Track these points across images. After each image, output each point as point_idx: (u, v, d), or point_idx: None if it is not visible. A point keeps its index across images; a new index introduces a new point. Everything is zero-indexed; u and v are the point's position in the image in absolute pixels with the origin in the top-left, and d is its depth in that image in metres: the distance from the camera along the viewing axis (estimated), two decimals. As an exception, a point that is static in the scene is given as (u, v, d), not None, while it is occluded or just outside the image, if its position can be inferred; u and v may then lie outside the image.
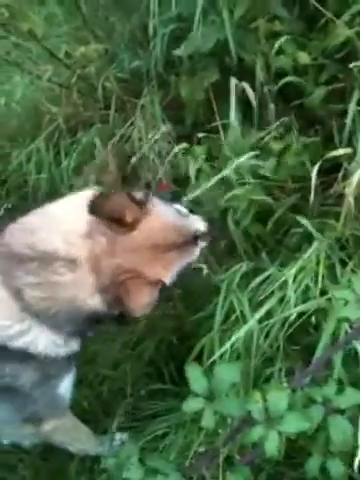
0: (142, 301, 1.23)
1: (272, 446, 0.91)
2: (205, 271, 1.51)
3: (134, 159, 1.87)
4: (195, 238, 1.36)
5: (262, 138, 1.61)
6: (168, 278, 1.28)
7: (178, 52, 1.76)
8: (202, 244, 1.39)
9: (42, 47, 2.04)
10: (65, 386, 1.36)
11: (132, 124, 1.99)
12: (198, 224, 1.39)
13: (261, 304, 1.35)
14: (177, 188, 1.79)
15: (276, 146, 1.59)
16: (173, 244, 1.29)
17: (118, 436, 1.67)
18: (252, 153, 1.53)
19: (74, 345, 1.33)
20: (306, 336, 1.38)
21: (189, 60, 1.80)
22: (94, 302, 1.23)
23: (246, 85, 1.55)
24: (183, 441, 1.38)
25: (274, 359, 1.42)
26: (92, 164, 2.03)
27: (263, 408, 0.92)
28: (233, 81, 1.58)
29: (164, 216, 1.32)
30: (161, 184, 1.85)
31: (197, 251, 1.38)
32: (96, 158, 2.03)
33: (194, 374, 1.00)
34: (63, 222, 1.26)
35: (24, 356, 1.24)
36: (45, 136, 2.11)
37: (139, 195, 1.30)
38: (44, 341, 1.26)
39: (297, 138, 1.60)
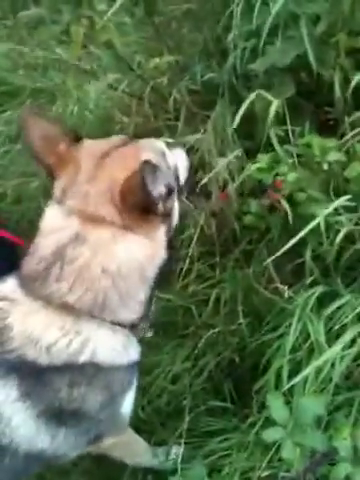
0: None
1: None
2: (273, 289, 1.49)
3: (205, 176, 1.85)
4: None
5: (343, 145, 1.56)
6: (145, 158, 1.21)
7: (255, 66, 1.74)
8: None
9: (117, 58, 2.06)
10: (127, 404, 1.35)
11: (201, 137, 1.98)
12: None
13: (336, 332, 1.31)
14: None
15: None
16: (118, 144, 1.30)
17: (174, 450, 1.66)
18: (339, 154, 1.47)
19: (133, 353, 1.31)
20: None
21: (264, 74, 1.78)
22: (124, 244, 1.19)
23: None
24: (245, 463, 1.35)
25: (341, 388, 1.37)
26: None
27: (352, 446, 0.88)
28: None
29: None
30: (222, 194, 1.84)
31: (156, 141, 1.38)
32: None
33: (275, 403, 0.98)
34: (46, 222, 1.26)
35: (90, 375, 1.22)
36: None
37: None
38: (105, 348, 1.24)
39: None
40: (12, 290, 1.25)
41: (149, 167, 1.15)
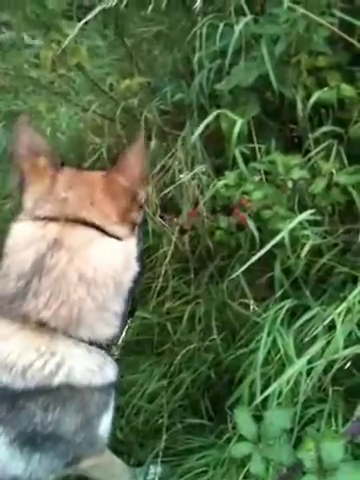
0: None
1: (326, 497, 0.88)
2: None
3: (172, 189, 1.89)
4: None
5: (308, 160, 1.60)
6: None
7: (220, 86, 1.79)
8: None
9: (89, 80, 2.10)
10: (104, 425, 1.33)
11: (172, 155, 2.01)
12: None
13: (306, 344, 1.33)
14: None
15: (326, 167, 1.56)
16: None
17: (152, 469, 1.66)
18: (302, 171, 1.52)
19: (109, 372, 1.30)
20: (349, 377, 1.35)
21: (230, 94, 1.82)
22: (99, 249, 1.22)
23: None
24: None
25: (313, 400, 1.39)
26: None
27: (316, 458, 0.89)
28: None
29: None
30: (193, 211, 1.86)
31: None
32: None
33: (242, 417, 0.99)
34: (18, 237, 1.26)
35: (65, 397, 1.21)
36: (88, 165, 2.16)
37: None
38: (80, 368, 1.22)
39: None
40: None
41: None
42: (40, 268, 1.19)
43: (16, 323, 1.20)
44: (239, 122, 1.58)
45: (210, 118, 1.61)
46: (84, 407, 1.26)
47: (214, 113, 1.62)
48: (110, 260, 1.23)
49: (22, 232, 1.25)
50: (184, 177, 1.70)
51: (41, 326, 1.19)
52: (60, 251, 1.19)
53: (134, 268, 1.29)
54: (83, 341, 1.24)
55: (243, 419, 1.00)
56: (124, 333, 1.36)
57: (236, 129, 1.57)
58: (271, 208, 1.50)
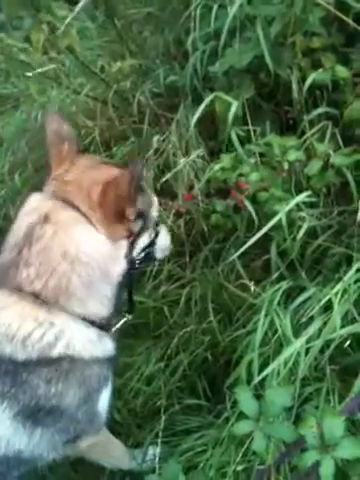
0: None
1: (327, 471, 0.91)
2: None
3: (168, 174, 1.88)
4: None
5: (304, 142, 1.60)
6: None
7: (214, 68, 1.78)
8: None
9: (80, 63, 2.07)
10: (103, 401, 1.36)
11: (166, 139, 2.00)
12: None
13: (303, 325, 1.34)
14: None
15: (321, 148, 1.56)
16: (108, 163, 1.43)
17: (151, 450, 1.67)
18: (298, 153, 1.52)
19: (108, 344, 1.32)
20: (345, 356, 1.37)
21: (224, 76, 1.81)
22: (86, 234, 1.24)
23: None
24: (220, 459, 1.37)
25: (310, 379, 1.41)
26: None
27: (318, 434, 0.91)
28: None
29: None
30: (188, 195, 1.86)
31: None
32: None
33: (244, 396, 1.01)
34: (25, 207, 1.31)
35: (67, 368, 1.23)
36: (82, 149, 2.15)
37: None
38: (79, 339, 1.25)
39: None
40: None
41: (142, 168, 1.24)
42: (30, 238, 1.24)
43: (14, 294, 1.22)
44: (234, 104, 1.57)
45: (207, 101, 1.59)
46: (85, 380, 1.28)
47: (210, 96, 1.60)
48: (92, 245, 1.25)
49: (28, 203, 1.31)
50: (182, 163, 1.68)
51: (36, 298, 1.22)
52: (47, 224, 1.24)
53: (122, 264, 1.31)
54: (79, 316, 1.26)
55: (244, 398, 1.02)
56: (119, 323, 1.38)
57: (232, 112, 1.56)
58: (267, 190, 1.50)
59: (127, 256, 1.31)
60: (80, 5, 1.94)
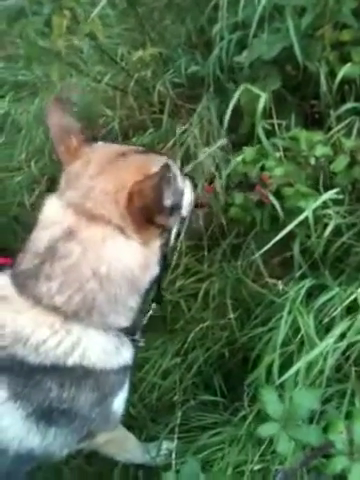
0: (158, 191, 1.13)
1: (356, 478, 0.88)
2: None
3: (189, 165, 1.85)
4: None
5: (330, 138, 1.56)
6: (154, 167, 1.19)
7: (240, 59, 1.74)
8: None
9: (101, 51, 2.03)
10: (119, 402, 1.33)
11: (186, 130, 1.97)
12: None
13: (325, 325, 1.32)
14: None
15: (348, 144, 1.51)
16: (134, 151, 1.27)
17: (165, 445, 1.66)
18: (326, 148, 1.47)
19: (126, 354, 1.29)
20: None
21: (250, 67, 1.77)
22: (115, 248, 1.16)
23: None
24: (237, 457, 1.36)
25: (332, 380, 1.39)
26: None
27: (348, 440, 0.89)
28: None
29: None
30: (208, 187, 1.83)
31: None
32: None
33: (269, 398, 0.98)
34: (44, 215, 1.23)
35: (80, 376, 1.20)
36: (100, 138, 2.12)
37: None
38: (95, 350, 1.21)
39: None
40: (3, 287, 1.22)
41: (169, 172, 1.12)
42: (53, 253, 1.17)
43: (30, 301, 1.19)
44: (263, 97, 1.53)
45: (237, 94, 1.55)
46: (99, 387, 1.25)
47: (240, 88, 1.56)
48: (125, 260, 1.18)
49: (48, 209, 1.23)
50: (203, 154, 1.65)
51: (54, 309, 1.18)
52: (72, 241, 1.16)
53: (153, 271, 1.25)
54: (98, 325, 1.22)
55: (269, 399, 1.00)
56: (145, 319, 1.36)
57: (260, 105, 1.52)
58: (292, 185, 1.47)
59: (160, 260, 1.25)
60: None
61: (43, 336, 1.17)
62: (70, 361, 1.18)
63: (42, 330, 1.17)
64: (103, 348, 1.23)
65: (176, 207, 1.27)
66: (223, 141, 1.70)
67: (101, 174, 1.20)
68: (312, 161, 1.47)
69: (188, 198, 1.39)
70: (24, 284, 1.20)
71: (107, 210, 1.17)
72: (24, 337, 1.17)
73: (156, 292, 1.38)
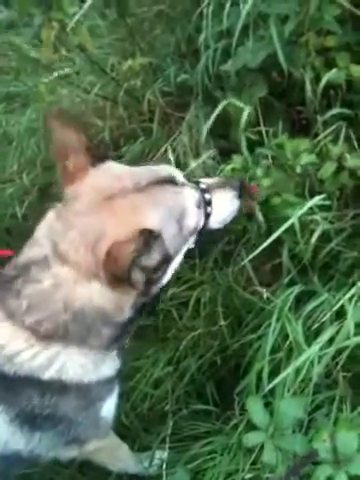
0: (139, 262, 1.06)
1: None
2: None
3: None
4: (170, 181, 1.23)
5: (316, 145, 1.56)
6: (148, 222, 1.12)
7: (226, 67, 1.74)
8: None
9: (91, 62, 2.05)
10: (107, 408, 1.33)
11: (176, 138, 1.97)
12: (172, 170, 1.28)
13: (314, 331, 1.31)
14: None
15: (335, 150, 1.50)
16: (131, 188, 1.16)
17: (158, 454, 1.66)
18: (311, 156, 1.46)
19: (105, 369, 1.27)
20: (357, 364, 1.34)
21: (237, 75, 1.78)
22: (89, 291, 1.12)
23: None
24: (228, 466, 1.35)
25: (321, 386, 1.38)
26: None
27: (331, 448, 0.88)
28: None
29: (113, 166, 1.22)
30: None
31: (184, 192, 1.24)
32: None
33: (255, 407, 0.98)
34: (38, 228, 1.21)
35: (60, 388, 1.19)
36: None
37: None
38: (73, 366, 1.19)
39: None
40: None
41: (145, 240, 1.06)
42: (26, 273, 1.16)
43: (4, 312, 1.18)
44: (246, 110, 1.54)
45: (219, 108, 1.56)
46: (84, 395, 1.25)
47: (223, 103, 1.57)
48: (98, 303, 1.15)
49: (42, 225, 1.21)
50: (193, 164, 1.65)
51: (26, 327, 1.17)
52: (45, 271, 1.14)
53: (126, 314, 1.20)
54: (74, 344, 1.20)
55: (255, 408, 0.99)
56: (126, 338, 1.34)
57: (244, 117, 1.53)
58: (280, 195, 1.47)
59: (138, 305, 1.20)
60: (89, 2, 1.91)
61: (18, 348, 1.16)
62: (47, 375, 1.17)
63: (17, 342, 1.16)
64: (81, 364, 1.21)
65: (167, 257, 1.18)
66: (211, 152, 1.70)
67: (85, 215, 1.14)
68: (298, 169, 1.47)
69: (222, 212, 1.35)
70: (3, 295, 1.19)
71: (82, 258, 1.11)
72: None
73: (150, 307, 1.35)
